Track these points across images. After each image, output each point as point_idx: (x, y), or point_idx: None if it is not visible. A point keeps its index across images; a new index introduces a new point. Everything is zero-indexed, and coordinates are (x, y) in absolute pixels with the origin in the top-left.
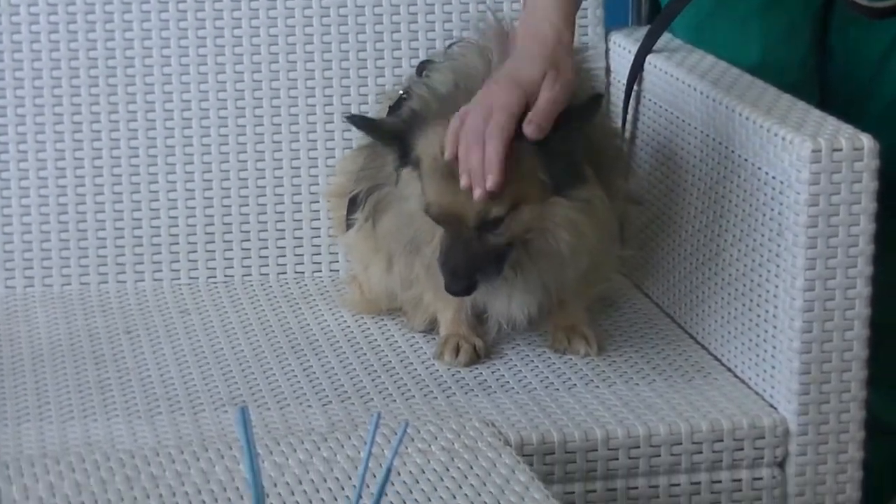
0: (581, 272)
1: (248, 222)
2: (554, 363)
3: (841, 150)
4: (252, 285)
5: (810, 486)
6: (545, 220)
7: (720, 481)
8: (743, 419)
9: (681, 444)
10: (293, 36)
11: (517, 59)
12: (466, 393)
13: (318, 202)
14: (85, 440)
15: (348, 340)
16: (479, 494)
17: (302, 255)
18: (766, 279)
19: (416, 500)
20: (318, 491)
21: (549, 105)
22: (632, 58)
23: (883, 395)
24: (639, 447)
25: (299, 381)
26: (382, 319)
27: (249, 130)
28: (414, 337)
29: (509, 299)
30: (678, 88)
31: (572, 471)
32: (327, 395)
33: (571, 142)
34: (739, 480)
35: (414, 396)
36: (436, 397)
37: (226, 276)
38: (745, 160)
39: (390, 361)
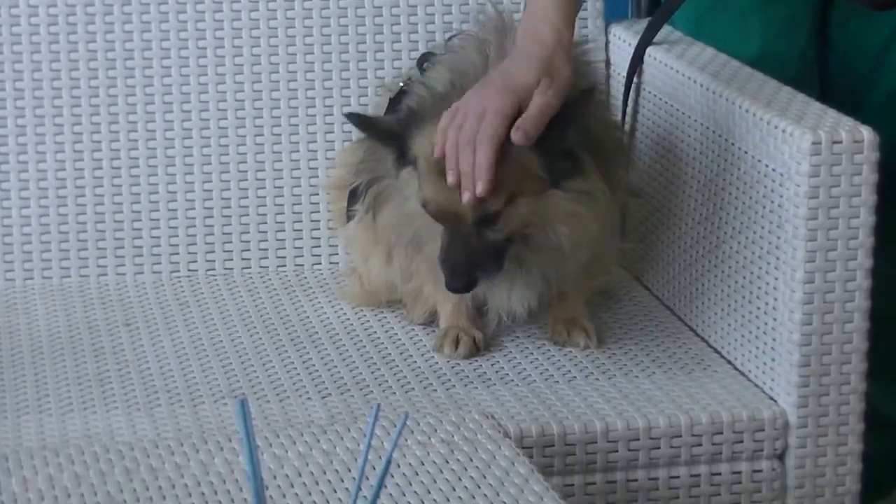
0: (582, 265)
1: (248, 214)
2: (553, 355)
3: (841, 142)
4: (251, 277)
5: (810, 479)
6: (544, 213)
7: (720, 473)
8: (743, 411)
9: (680, 436)
10: (293, 28)
11: (515, 59)
12: (466, 385)
13: (317, 194)
14: (84, 432)
15: (348, 333)
16: (479, 486)
17: (301, 247)
18: (765, 271)
19: (415, 492)
20: (317, 483)
21: (539, 111)
22: (632, 50)
23: (883, 387)
24: (638, 439)
25: (299, 374)
26: (382, 312)
27: (249, 122)
28: (413, 329)
29: (509, 292)
30: (678, 81)
31: (572, 463)
32: (327, 388)
33: (567, 134)
34: (739, 473)
35: (413, 389)
36: (435, 389)
37: (225, 268)
38: (745, 152)
39: (390, 354)
